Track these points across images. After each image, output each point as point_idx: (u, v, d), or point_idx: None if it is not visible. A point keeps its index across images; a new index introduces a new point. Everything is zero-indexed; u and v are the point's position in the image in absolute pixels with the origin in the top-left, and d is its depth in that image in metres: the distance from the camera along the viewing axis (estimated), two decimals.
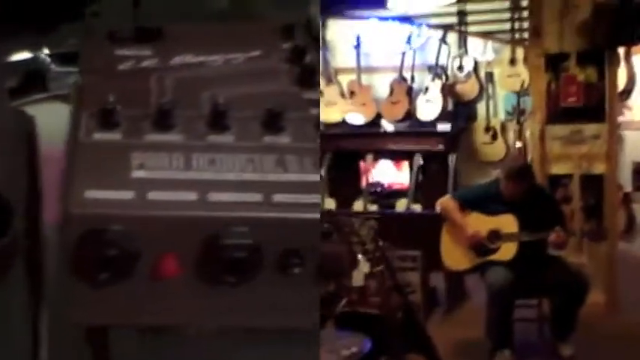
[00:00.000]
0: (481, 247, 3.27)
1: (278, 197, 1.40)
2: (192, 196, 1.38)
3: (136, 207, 1.36)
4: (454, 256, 3.38)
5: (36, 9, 2.05)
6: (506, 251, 3.22)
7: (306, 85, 1.70)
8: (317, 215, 1.38)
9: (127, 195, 1.38)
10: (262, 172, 1.45)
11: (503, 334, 3.18)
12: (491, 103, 5.39)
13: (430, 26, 5.12)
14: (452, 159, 5.07)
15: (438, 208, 3.61)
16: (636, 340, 3.50)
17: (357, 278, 2.45)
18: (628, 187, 4.85)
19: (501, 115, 5.40)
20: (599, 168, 3.86)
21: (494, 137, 5.32)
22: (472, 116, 5.53)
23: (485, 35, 4.84)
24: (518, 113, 4.84)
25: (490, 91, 5.40)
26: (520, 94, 4.84)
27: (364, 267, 2.46)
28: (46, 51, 2.06)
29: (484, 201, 3.34)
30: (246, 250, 1.35)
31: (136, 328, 1.59)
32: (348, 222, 2.69)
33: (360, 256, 2.49)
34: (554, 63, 3.89)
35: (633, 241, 4.75)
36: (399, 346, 2.37)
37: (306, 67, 1.72)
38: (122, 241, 1.34)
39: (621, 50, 4.14)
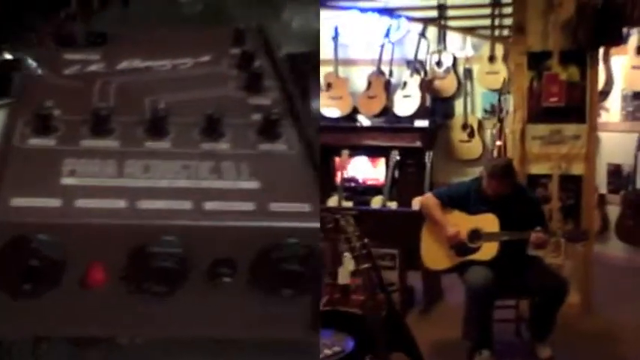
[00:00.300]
0: (462, 246, 3.23)
1: (210, 205, 1.35)
2: (120, 203, 1.34)
3: (63, 215, 1.31)
4: (434, 255, 3.34)
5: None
6: (487, 251, 3.19)
7: (252, 90, 1.67)
8: (251, 223, 1.33)
9: (55, 203, 1.33)
10: (197, 179, 1.41)
11: (482, 334, 3.16)
12: (469, 100, 5.37)
13: (410, 19, 5.06)
14: (429, 156, 5.02)
15: (417, 206, 3.56)
16: (612, 340, 3.54)
17: (343, 276, 2.38)
18: (603, 189, 4.88)
19: (479, 113, 5.38)
20: (577, 169, 3.86)
21: (472, 135, 5.30)
22: (449, 113, 5.50)
23: (468, 31, 4.81)
24: (499, 111, 4.81)
25: (468, 88, 5.38)
26: (502, 92, 4.81)
27: (349, 265, 2.39)
28: (9, 56, 1.97)
29: (465, 200, 3.31)
30: (175, 259, 1.31)
31: (64, 340, 1.52)
32: (330, 218, 2.61)
33: (346, 254, 2.41)
34: (537, 61, 3.86)
35: (607, 242, 4.78)
36: (383, 344, 2.31)
37: (253, 73, 1.70)
38: (47, 250, 1.28)
39: (600, 51, 4.12)
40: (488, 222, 3.21)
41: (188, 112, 1.56)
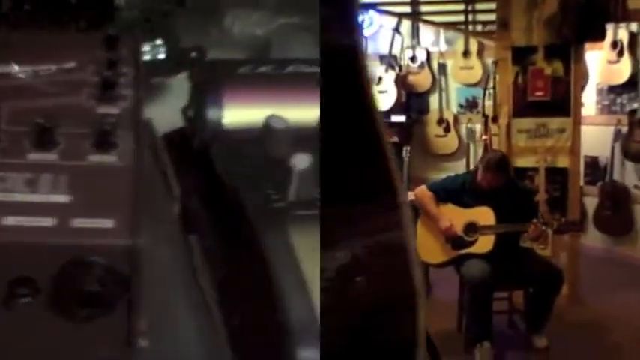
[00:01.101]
0: (458, 239, 3.23)
1: (10, 220, 1.25)
2: None
3: None
4: (430, 248, 3.33)
5: None
6: (484, 244, 3.19)
7: (104, 99, 1.60)
8: (49, 240, 1.23)
9: None
10: (10, 192, 1.30)
11: (482, 327, 3.16)
12: (443, 95, 5.40)
13: (383, 13, 5.05)
14: (406, 151, 5.02)
15: (412, 198, 3.54)
16: (601, 329, 3.61)
17: None
18: (580, 181, 4.96)
19: (454, 108, 5.42)
20: (563, 161, 3.92)
21: (447, 130, 5.33)
22: (424, 108, 5.52)
23: (448, 26, 4.83)
24: (483, 106, 4.84)
25: (443, 83, 5.40)
26: (486, 86, 4.84)
27: None
28: None
29: (459, 193, 3.31)
30: None
31: None
32: None
33: None
34: (521, 56, 3.90)
35: (585, 233, 4.86)
36: None
37: (109, 80, 1.63)
38: None
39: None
40: (484, 215, 3.22)
41: (26, 121, 1.45)
